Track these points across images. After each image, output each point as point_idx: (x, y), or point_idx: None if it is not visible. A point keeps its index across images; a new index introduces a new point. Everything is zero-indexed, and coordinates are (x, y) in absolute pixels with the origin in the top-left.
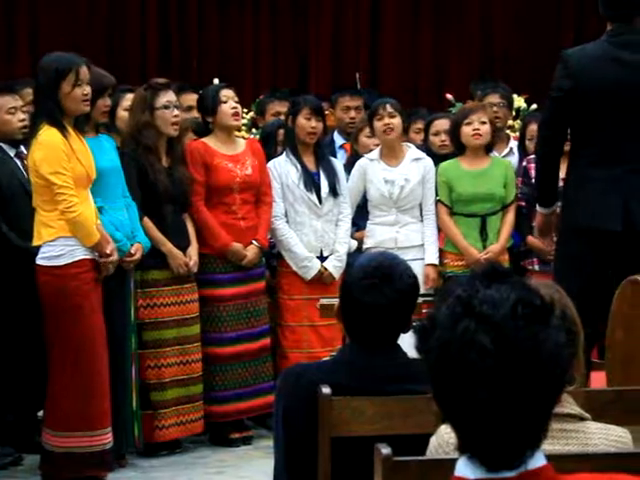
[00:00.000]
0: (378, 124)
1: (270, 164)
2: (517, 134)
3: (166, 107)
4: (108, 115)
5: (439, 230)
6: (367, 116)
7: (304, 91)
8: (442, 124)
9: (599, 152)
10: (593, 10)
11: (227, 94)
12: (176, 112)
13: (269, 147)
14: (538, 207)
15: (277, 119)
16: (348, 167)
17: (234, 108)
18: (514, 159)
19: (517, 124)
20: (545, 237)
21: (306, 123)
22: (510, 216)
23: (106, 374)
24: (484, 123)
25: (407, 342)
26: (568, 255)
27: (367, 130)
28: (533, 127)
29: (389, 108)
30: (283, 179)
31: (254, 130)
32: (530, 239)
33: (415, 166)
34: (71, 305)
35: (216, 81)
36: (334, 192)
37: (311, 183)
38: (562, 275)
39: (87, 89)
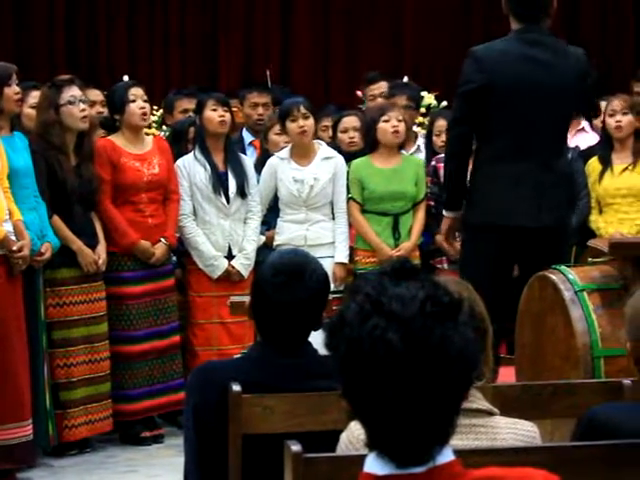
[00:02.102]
0: (292, 125)
1: (179, 162)
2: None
3: (71, 102)
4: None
5: (350, 227)
6: (278, 115)
7: (214, 89)
8: (351, 121)
9: (506, 147)
10: (501, 8)
11: (136, 93)
12: (83, 106)
13: (180, 145)
14: (446, 211)
15: (188, 117)
16: (259, 166)
17: (142, 108)
18: (422, 156)
19: (427, 121)
20: (450, 240)
21: (213, 114)
22: (421, 214)
23: (23, 368)
24: (400, 121)
25: (318, 339)
26: (475, 252)
27: (277, 127)
28: (441, 123)
29: (303, 109)
30: (192, 178)
31: (164, 127)
32: (438, 238)
33: (326, 165)
34: None
35: (126, 78)
36: (242, 193)
37: (219, 185)
38: (469, 272)
39: None
